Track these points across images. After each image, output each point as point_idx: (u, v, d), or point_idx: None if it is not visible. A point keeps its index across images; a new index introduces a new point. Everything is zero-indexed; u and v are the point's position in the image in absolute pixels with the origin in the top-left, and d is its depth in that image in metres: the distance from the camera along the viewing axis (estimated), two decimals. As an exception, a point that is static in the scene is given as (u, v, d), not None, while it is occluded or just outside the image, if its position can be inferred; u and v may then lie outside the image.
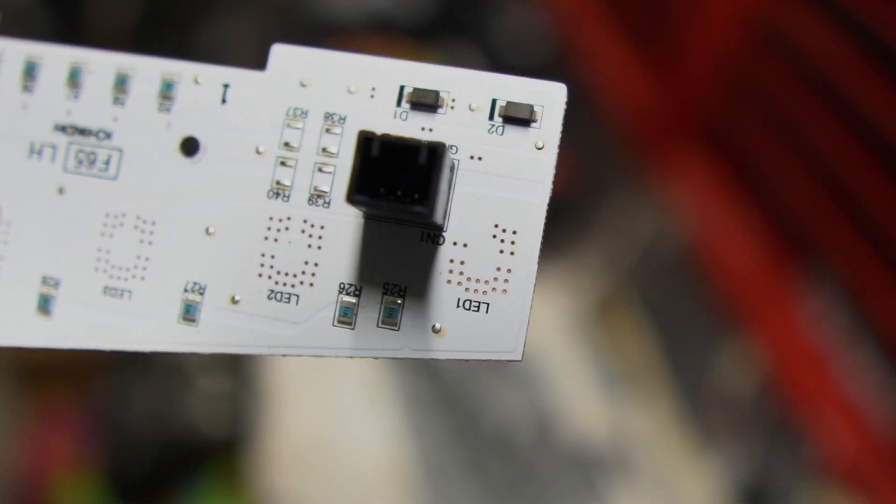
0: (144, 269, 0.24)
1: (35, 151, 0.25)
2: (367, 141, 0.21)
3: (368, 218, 0.23)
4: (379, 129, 0.23)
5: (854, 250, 0.54)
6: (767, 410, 0.60)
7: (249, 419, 0.63)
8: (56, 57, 0.26)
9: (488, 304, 0.23)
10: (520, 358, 0.23)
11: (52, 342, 0.25)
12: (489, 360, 0.23)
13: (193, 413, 0.65)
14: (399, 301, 0.23)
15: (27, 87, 0.26)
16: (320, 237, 0.23)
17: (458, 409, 0.62)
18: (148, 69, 0.25)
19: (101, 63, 0.25)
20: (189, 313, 0.24)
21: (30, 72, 0.26)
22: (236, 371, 0.65)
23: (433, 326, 0.23)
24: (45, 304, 0.25)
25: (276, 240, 0.24)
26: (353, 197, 0.21)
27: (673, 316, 0.63)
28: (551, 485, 0.58)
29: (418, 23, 0.76)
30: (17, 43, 0.26)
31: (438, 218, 0.22)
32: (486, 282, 0.23)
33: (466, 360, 0.23)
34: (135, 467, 0.63)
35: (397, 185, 0.21)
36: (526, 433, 0.61)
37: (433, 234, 0.23)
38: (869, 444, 0.55)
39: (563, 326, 0.69)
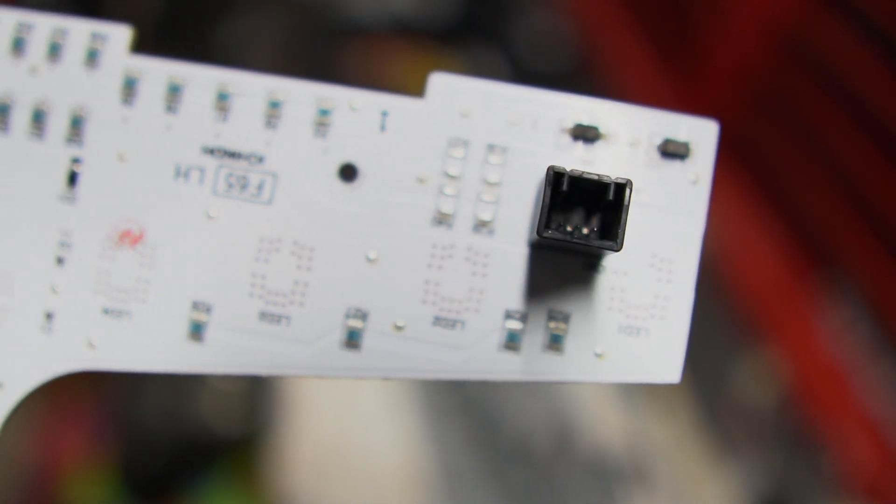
0: (303, 294, 0.24)
1: (181, 174, 0.25)
2: (557, 176, 0.21)
3: (533, 246, 0.24)
4: (543, 163, 0.24)
5: (877, 264, 0.56)
6: (787, 423, 0.63)
7: (269, 420, 0.63)
8: (202, 78, 0.25)
9: (648, 330, 0.24)
10: (678, 381, 0.24)
11: (206, 368, 0.24)
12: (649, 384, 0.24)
13: (207, 411, 0.64)
14: (564, 326, 0.24)
15: (171, 108, 0.25)
16: (485, 265, 0.24)
17: (478, 416, 0.63)
18: (302, 93, 0.25)
19: (252, 86, 0.25)
20: (352, 339, 0.24)
21: (174, 92, 0.25)
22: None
23: (595, 351, 0.24)
24: (197, 330, 0.25)
25: (440, 267, 0.24)
26: (544, 231, 0.21)
27: (694, 326, 0.66)
28: (570, 494, 0.60)
29: (440, 26, 0.76)
30: (161, 62, 0.25)
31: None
32: (646, 308, 0.24)
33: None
34: (148, 464, 0.62)
35: (584, 220, 0.22)
36: (545, 442, 0.62)
37: (595, 263, 0.24)
38: (889, 459, 0.57)
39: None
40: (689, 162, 0.24)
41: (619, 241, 0.22)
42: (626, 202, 0.21)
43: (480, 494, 0.60)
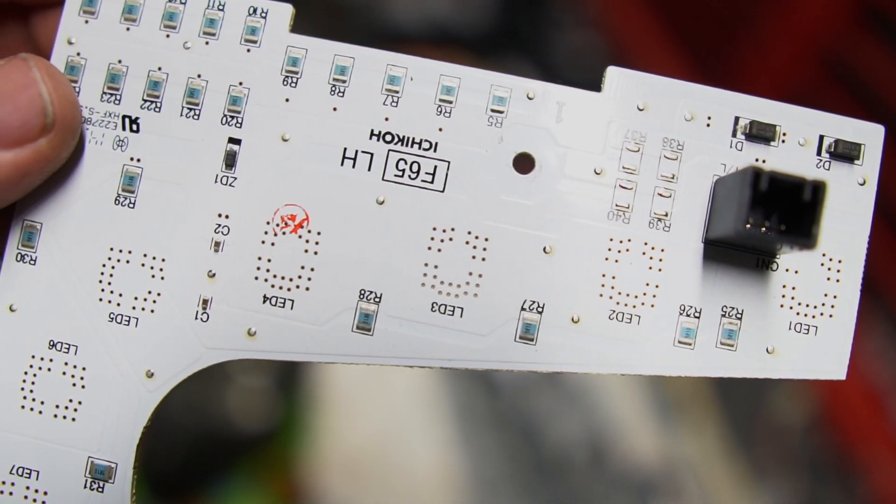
0: (477, 286, 0.24)
1: (349, 157, 0.24)
2: (757, 175, 0.22)
3: (708, 243, 0.24)
4: (717, 159, 0.24)
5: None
6: (819, 446, 0.63)
7: (299, 420, 0.61)
8: (370, 59, 0.24)
9: (817, 328, 0.24)
10: (844, 377, 0.24)
11: (372, 359, 0.24)
12: (816, 380, 0.24)
13: (233, 408, 0.62)
14: (737, 323, 0.24)
15: (337, 90, 0.24)
16: (661, 259, 0.24)
17: (513, 427, 0.63)
18: (476, 80, 0.24)
19: (424, 70, 0.24)
20: (528, 332, 0.24)
21: (341, 73, 0.24)
22: (279, 371, 0.63)
23: (767, 348, 0.24)
24: (365, 321, 0.24)
25: (616, 261, 0.24)
26: (743, 229, 0.21)
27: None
28: (602, 508, 0.60)
29: (477, 35, 0.75)
30: (325, 42, 0.24)
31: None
32: (815, 307, 0.24)
33: (793, 379, 0.24)
34: (169, 460, 0.60)
35: (780, 218, 0.22)
36: (579, 455, 0.62)
37: (768, 261, 0.24)
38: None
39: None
40: (857, 164, 0.25)
41: (815, 239, 0.22)
42: (822, 202, 0.22)
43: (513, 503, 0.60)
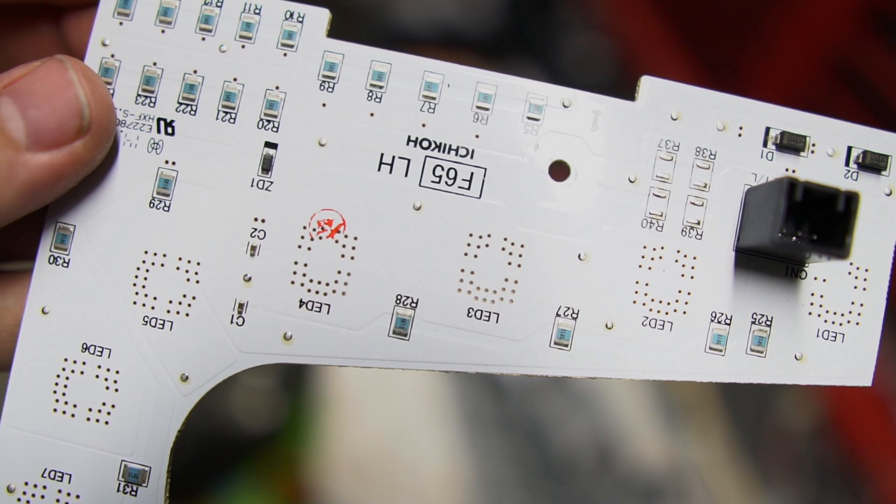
0: (513, 291, 0.24)
1: (386, 163, 0.24)
2: (792, 186, 0.22)
3: (739, 251, 0.25)
4: (748, 169, 0.25)
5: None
6: (825, 451, 0.64)
7: (306, 421, 0.61)
8: (407, 66, 0.24)
9: (843, 335, 0.25)
10: (870, 384, 0.25)
11: (409, 363, 0.24)
12: (842, 386, 0.25)
13: (237, 408, 0.62)
14: (767, 330, 0.24)
15: (374, 95, 0.24)
16: (693, 267, 0.24)
17: (520, 430, 0.63)
18: (514, 88, 0.25)
19: (460, 77, 0.24)
20: (563, 338, 0.24)
21: (378, 79, 0.24)
22: (285, 372, 0.63)
23: (795, 354, 0.25)
24: (401, 326, 0.24)
25: (650, 268, 0.24)
26: (779, 238, 0.22)
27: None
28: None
29: (485, 37, 0.75)
30: (362, 48, 0.25)
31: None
32: (843, 314, 0.25)
33: (814, 384, 0.25)
34: (174, 460, 0.59)
35: (811, 227, 0.23)
36: (585, 459, 0.63)
37: (797, 269, 0.25)
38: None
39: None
40: (885, 175, 0.25)
41: (847, 249, 0.22)
42: (856, 213, 0.22)
43: (519, 507, 0.60)
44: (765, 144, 0.25)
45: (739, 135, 0.25)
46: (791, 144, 0.25)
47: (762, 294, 0.24)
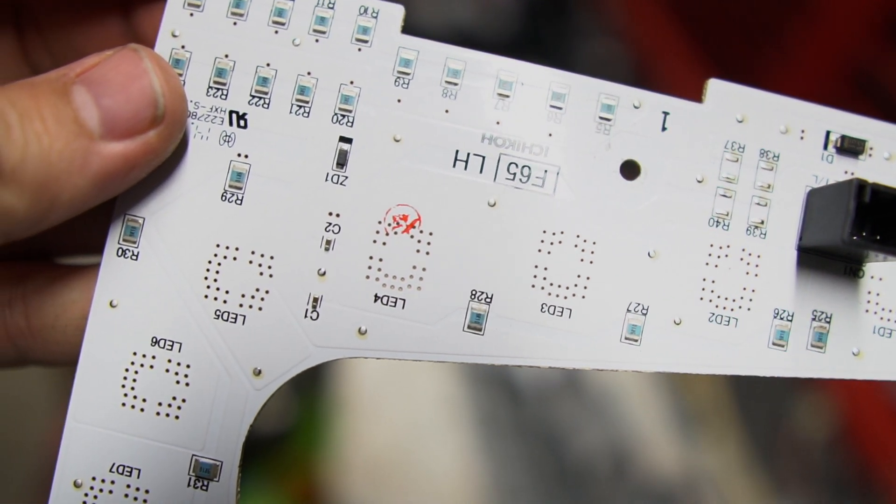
0: (585, 287, 0.24)
1: (461, 160, 0.24)
2: (861, 188, 0.23)
3: (801, 250, 0.25)
4: (809, 171, 0.25)
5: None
6: (840, 461, 0.64)
7: (320, 423, 0.61)
8: (481, 63, 0.25)
9: (897, 332, 0.26)
10: (922, 380, 0.26)
11: (484, 358, 0.24)
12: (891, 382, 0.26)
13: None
14: (826, 326, 0.25)
15: (449, 92, 0.25)
16: (757, 265, 0.25)
17: (535, 435, 0.63)
18: (587, 88, 0.25)
19: (533, 76, 0.25)
20: (633, 333, 0.25)
21: (453, 76, 0.25)
22: (300, 374, 0.62)
23: (853, 350, 0.25)
24: (476, 321, 0.24)
25: (716, 266, 0.25)
26: (849, 238, 0.23)
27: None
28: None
29: (500, 41, 0.75)
30: (435, 45, 0.25)
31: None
32: (897, 312, 0.26)
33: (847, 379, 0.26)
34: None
35: (873, 228, 0.23)
36: (600, 465, 0.63)
37: (855, 268, 0.26)
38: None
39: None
40: (935, 177, 0.26)
41: (913, 249, 0.23)
42: (919, 213, 0.23)
43: (533, 514, 0.61)
44: (825, 147, 0.26)
45: (801, 138, 0.26)
46: (851, 148, 0.26)
47: (822, 292, 0.25)
